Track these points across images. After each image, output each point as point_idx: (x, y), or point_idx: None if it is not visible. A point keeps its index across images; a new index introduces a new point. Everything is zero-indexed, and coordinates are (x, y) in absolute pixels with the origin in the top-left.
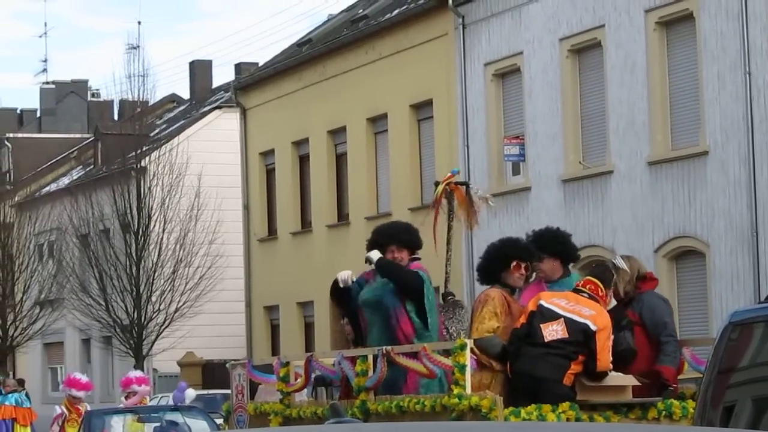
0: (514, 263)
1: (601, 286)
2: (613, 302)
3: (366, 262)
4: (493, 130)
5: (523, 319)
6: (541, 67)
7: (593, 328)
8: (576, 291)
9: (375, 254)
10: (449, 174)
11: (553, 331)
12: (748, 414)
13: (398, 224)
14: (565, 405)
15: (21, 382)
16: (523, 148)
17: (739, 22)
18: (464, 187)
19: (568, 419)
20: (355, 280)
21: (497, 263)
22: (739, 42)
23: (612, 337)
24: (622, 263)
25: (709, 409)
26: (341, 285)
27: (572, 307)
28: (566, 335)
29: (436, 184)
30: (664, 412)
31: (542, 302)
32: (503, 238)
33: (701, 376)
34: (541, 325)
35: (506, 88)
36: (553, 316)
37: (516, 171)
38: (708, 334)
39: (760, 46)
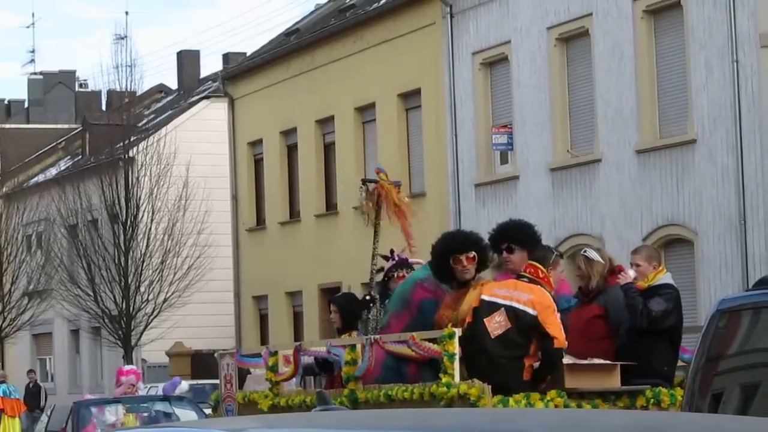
0: (453, 257)
1: (541, 267)
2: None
3: None
4: (481, 118)
5: (469, 318)
6: (528, 55)
7: (532, 312)
8: (518, 277)
9: None
10: (379, 171)
11: (496, 324)
12: (736, 401)
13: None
14: (553, 392)
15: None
16: (511, 136)
17: (727, 10)
18: (396, 186)
19: (556, 406)
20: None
21: (439, 261)
22: (726, 30)
23: (558, 314)
24: (596, 256)
25: (697, 397)
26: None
27: (511, 294)
28: (509, 324)
29: (364, 183)
30: (652, 400)
31: (483, 296)
32: (443, 233)
33: (686, 364)
34: (485, 320)
35: (494, 77)
36: (493, 308)
37: (504, 160)
38: (696, 322)
39: (748, 34)
